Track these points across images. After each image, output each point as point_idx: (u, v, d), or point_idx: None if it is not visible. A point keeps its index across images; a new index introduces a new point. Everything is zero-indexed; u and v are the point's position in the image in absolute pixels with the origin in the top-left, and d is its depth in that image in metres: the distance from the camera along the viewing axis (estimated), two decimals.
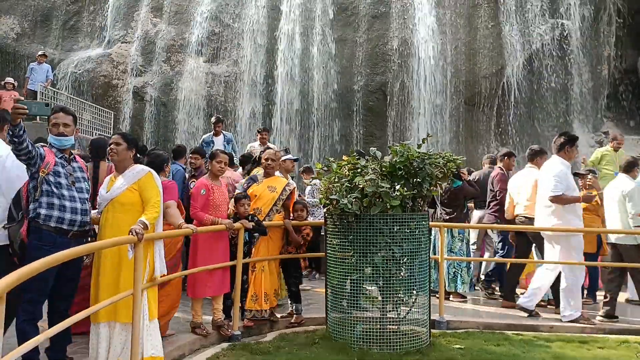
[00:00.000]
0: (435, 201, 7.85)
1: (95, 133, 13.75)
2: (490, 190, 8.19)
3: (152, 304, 4.36)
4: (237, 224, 5.64)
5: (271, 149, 10.05)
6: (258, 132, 10.75)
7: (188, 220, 5.60)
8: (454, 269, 7.90)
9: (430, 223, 5.93)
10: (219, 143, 10.25)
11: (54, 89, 14.29)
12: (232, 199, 6.05)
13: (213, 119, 10.78)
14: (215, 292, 5.70)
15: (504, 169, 8.31)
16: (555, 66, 14.91)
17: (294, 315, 6.43)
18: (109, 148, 4.50)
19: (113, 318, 4.26)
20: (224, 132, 10.67)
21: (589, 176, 7.96)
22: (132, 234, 3.92)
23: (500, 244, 8.12)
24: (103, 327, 4.28)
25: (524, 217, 7.23)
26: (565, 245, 6.58)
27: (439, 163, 5.54)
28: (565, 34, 14.99)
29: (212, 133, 10.54)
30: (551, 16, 15.11)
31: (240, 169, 8.53)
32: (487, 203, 8.30)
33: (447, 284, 7.75)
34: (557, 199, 6.48)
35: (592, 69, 15.40)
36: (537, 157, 7.55)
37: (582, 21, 15.18)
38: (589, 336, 6.00)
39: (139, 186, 4.38)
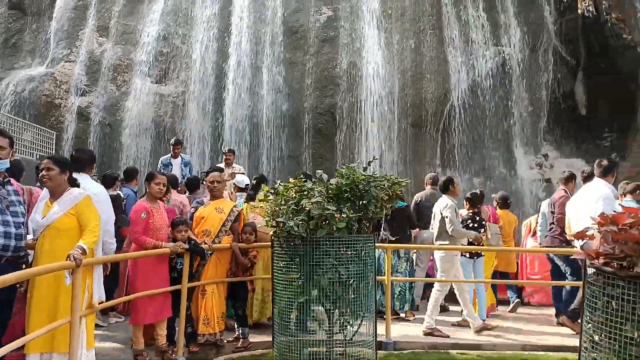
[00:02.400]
0: (380, 224, 7.94)
1: (36, 154, 13.29)
2: (551, 212, 7.88)
3: (90, 332, 4.22)
4: (181, 249, 5.55)
5: (236, 171, 10.08)
6: (223, 153, 10.69)
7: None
8: (399, 288, 8.05)
9: (376, 244, 5.99)
10: (176, 165, 10.12)
11: None
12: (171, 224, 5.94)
13: (172, 141, 10.62)
14: (156, 318, 5.56)
15: (568, 192, 7.84)
16: (497, 91, 15.47)
17: (241, 339, 6.34)
18: (41, 174, 4.35)
19: (50, 348, 4.10)
20: (182, 154, 10.52)
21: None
22: (69, 260, 3.80)
23: (569, 268, 7.57)
24: (33, 359, 4.10)
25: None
26: None
27: (384, 185, 5.62)
28: (506, 61, 15.62)
29: (169, 155, 10.37)
30: (493, 44, 15.72)
31: (187, 192, 8.40)
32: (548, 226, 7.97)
33: (393, 304, 7.85)
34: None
35: (531, 94, 16.06)
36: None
37: (521, 49, 15.86)
38: (529, 354, 6.17)
39: (77, 211, 4.26)
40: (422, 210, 8.72)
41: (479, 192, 8.26)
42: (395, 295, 7.97)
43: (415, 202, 8.90)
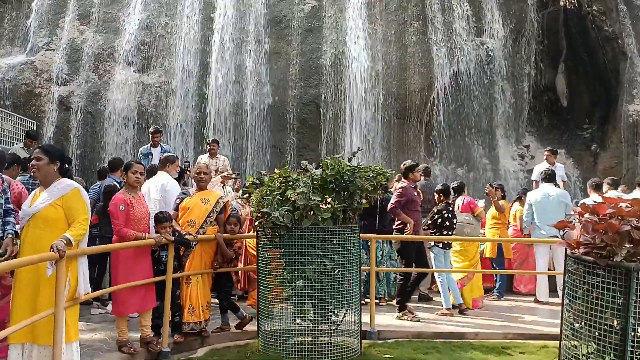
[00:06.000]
0: (375, 212, 8.06)
1: (15, 143, 13.10)
2: None
3: (71, 326, 4.17)
4: (164, 239, 5.52)
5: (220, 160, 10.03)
6: (207, 143, 10.57)
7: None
8: (394, 274, 8.23)
9: (361, 235, 6.03)
10: (156, 155, 9.97)
11: None
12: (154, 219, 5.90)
13: (151, 130, 10.46)
14: (139, 309, 5.54)
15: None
16: (480, 82, 15.57)
17: (240, 320, 6.43)
18: (30, 164, 4.31)
19: (30, 340, 4.05)
20: (161, 143, 10.38)
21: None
22: (53, 250, 3.77)
23: None
24: (14, 349, 4.07)
25: None
26: None
27: (369, 176, 5.66)
28: (489, 52, 15.71)
29: (149, 145, 10.20)
30: (476, 35, 15.79)
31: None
32: None
33: (387, 290, 8.14)
34: None
35: (514, 85, 16.19)
36: None
37: (504, 40, 15.95)
38: (510, 342, 6.27)
39: (64, 202, 4.19)
40: None
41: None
42: (391, 282, 8.14)
43: None
